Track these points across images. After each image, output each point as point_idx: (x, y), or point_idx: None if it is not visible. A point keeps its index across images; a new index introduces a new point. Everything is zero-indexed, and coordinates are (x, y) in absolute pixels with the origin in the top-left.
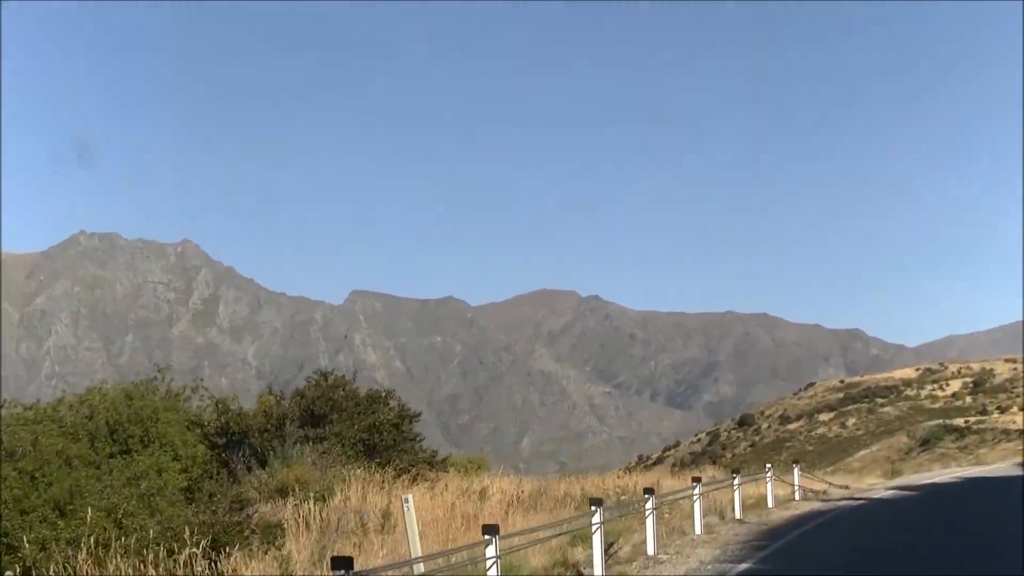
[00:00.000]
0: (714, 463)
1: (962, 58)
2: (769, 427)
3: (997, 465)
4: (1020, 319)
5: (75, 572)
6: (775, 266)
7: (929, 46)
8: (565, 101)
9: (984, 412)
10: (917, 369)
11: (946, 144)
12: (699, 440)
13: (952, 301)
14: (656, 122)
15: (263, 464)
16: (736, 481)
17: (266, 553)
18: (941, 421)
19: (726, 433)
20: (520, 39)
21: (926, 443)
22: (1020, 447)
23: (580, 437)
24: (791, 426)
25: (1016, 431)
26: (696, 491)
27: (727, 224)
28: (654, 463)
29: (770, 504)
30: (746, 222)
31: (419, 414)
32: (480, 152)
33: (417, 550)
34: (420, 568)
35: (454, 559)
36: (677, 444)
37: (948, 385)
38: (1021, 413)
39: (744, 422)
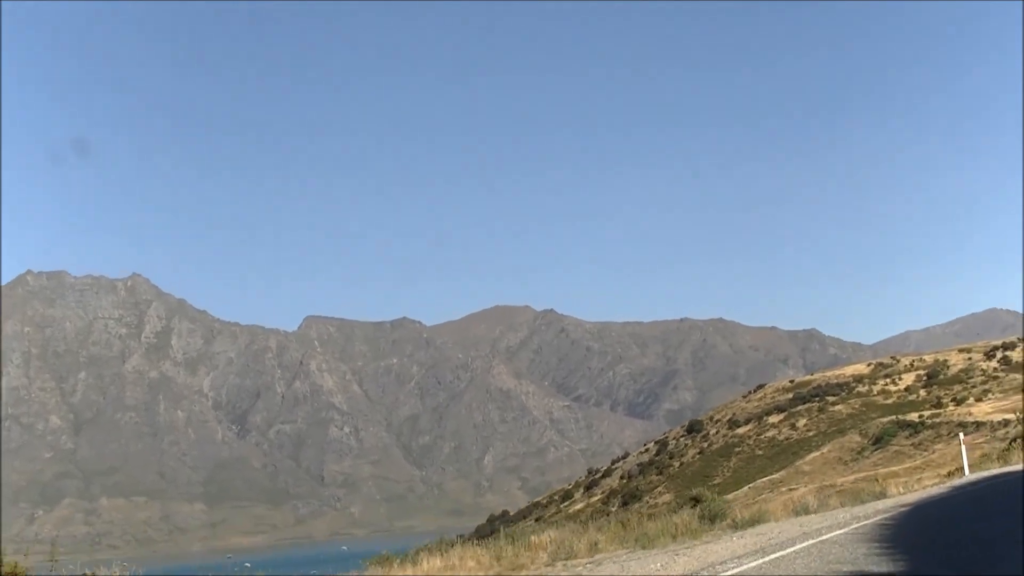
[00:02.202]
0: (660, 473)
1: (912, 66)
2: (718, 432)
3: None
4: (976, 311)
5: None
6: (729, 271)
7: (879, 48)
8: (511, 115)
9: (939, 405)
10: (869, 364)
11: (897, 146)
12: (648, 450)
13: (908, 297)
14: (606, 132)
15: None
16: None
17: None
18: (894, 417)
19: (675, 441)
20: (453, 60)
21: (879, 441)
22: (972, 444)
23: (542, 452)
24: (740, 430)
25: (973, 423)
26: None
27: (679, 232)
28: (602, 476)
29: None
30: (698, 229)
31: None
32: (427, 172)
33: None
34: None
35: None
36: (626, 455)
37: (901, 379)
38: (978, 404)
39: (693, 429)
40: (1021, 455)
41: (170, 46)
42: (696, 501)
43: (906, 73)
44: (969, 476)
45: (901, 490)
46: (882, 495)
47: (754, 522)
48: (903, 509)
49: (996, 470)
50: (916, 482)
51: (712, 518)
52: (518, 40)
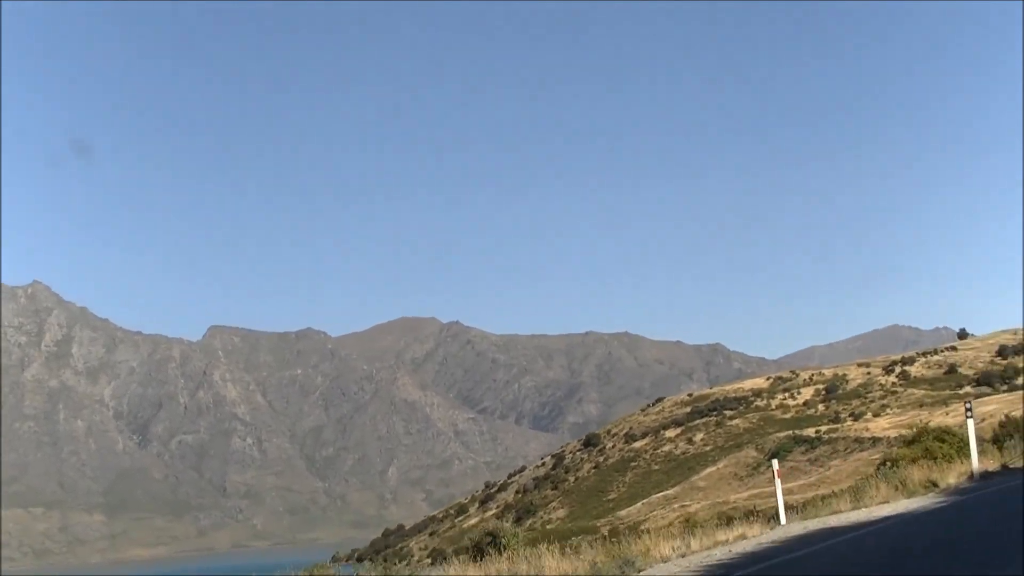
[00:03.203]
0: (556, 487)
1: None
2: (614, 447)
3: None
4: (879, 327)
5: None
6: (635, 285)
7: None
8: (416, 128)
9: (837, 420)
10: (768, 378)
11: (800, 160)
12: (544, 464)
13: (813, 312)
14: (512, 146)
15: None
16: None
17: None
18: (792, 432)
19: (571, 455)
20: (376, 76)
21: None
22: (871, 460)
23: (446, 464)
24: (637, 444)
25: (869, 439)
26: None
27: (585, 245)
28: (498, 489)
29: None
30: (603, 242)
31: None
32: (334, 181)
33: None
34: None
35: None
36: (523, 469)
37: (800, 393)
38: (875, 419)
39: (590, 442)
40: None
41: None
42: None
43: (823, 91)
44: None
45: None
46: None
47: None
48: None
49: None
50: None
51: None
52: (426, 52)
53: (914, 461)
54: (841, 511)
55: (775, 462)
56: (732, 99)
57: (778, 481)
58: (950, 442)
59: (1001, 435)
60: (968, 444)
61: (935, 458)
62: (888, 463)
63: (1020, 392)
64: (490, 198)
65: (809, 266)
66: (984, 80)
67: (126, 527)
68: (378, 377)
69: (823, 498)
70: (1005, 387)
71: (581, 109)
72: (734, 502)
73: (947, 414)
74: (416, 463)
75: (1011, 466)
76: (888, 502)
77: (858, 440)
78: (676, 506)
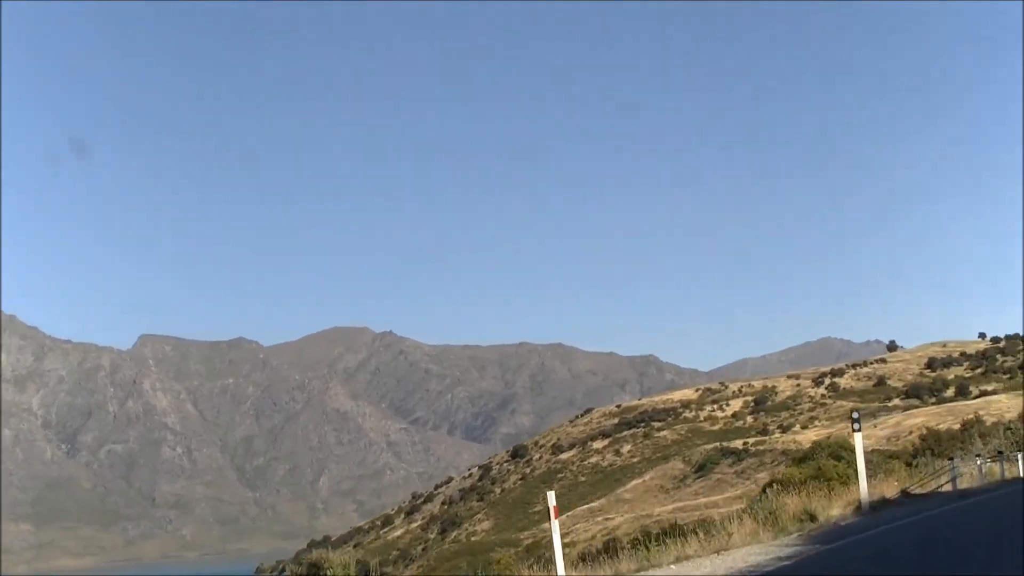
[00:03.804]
0: (481, 499)
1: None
2: (541, 458)
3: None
4: (812, 339)
5: None
6: (569, 296)
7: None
8: (353, 137)
9: (765, 432)
10: (697, 390)
11: (733, 175)
12: (471, 475)
13: (746, 325)
14: (443, 157)
15: None
16: None
17: None
18: (719, 444)
19: (498, 467)
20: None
21: (702, 468)
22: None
23: (378, 474)
24: (564, 456)
25: (797, 451)
26: None
27: (519, 255)
28: (424, 501)
29: None
30: (537, 253)
31: None
32: (266, 188)
33: None
34: None
35: None
36: (450, 480)
37: (729, 405)
38: (803, 431)
39: (517, 454)
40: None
41: None
42: None
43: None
44: None
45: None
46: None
47: None
48: None
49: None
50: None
51: None
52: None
53: (803, 483)
54: (688, 556)
55: (551, 495)
56: (661, 113)
57: (555, 523)
58: (848, 459)
59: (922, 449)
60: (871, 463)
61: (828, 479)
62: (775, 484)
63: (949, 404)
64: (424, 208)
65: (742, 278)
66: (893, 98)
67: (54, 537)
68: (310, 387)
69: (682, 530)
70: (934, 399)
71: (516, 120)
72: (658, 515)
73: (875, 426)
74: (348, 473)
75: (912, 492)
76: (747, 544)
77: (785, 452)
78: (600, 519)
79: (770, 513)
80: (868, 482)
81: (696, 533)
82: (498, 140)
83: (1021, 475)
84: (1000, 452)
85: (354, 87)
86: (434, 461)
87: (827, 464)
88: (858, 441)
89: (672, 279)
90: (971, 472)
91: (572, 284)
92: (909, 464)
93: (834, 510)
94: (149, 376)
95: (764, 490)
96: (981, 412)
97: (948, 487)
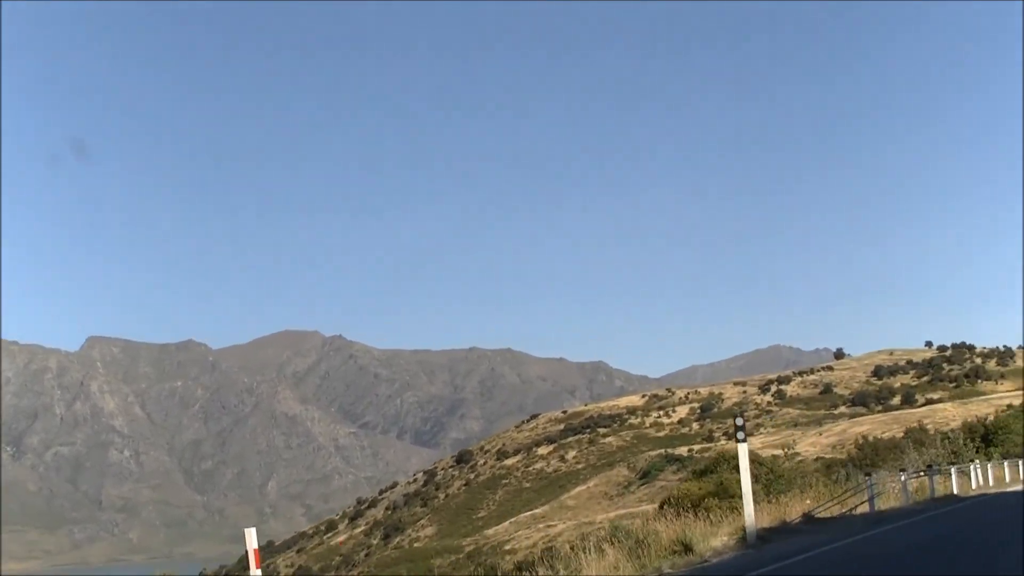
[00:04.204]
0: (425, 505)
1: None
2: (486, 463)
3: None
4: (761, 346)
5: None
6: (519, 302)
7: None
8: (305, 141)
9: (710, 439)
10: (643, 396)
11: (683, 181)
12: (416, 480)
13: (696, 332)
14: (392, 164)
15: None
16: None
17: None
18: (664, 450)
19: (443, 472)
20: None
21: (646, 475)
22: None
23: (327, 479)
24: (509, 462)
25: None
26: None
27: (470, 261)
28: (368, 506)
29: None
30: (488, 258)
31: None
32: (217, 192)
33: None
34: None
35: None
36: (394, 485)
37: (675, 411)
38: (749, 438)
39: (462, 459)
40: None
41: None
42: None
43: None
44: None
45: None
46: None
47: None
48: None
49: None
50: None
51: None
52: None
53: (700, 501)
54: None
55: (251, 534)
56: (607, 120)
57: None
58: (756, 472)
59: (858, 459)
60: (783, 478)
61: (731, 496)
62: (673, 500)
63: (895, 412)
64: (375, 212)
65: (693, 285)
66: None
67: None
68: (259, 390)
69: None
70: (880, 407)
71: (461, 125)
72: (600, 522)
73: (820, 434)
74: (296, 477)
75: (818, 515)
76: None
77: (730, 460)
78: (542, 526)
79: (639, 541)
80: (776, 501)
81: (548, 565)
82: (442, 145)
83: (955, 491)
84: (930, 466)
85: (322, 92)
86: (383, 466)
87: (730, 479)
88: (743, 455)
89: (622, 285)
90: (896, 490)
91: (523, 290)
92: (833, 479)
93: (717, 539)
94: (97, 378)
95: (662, 507)
96: (926, 421)
97: (865, 507)
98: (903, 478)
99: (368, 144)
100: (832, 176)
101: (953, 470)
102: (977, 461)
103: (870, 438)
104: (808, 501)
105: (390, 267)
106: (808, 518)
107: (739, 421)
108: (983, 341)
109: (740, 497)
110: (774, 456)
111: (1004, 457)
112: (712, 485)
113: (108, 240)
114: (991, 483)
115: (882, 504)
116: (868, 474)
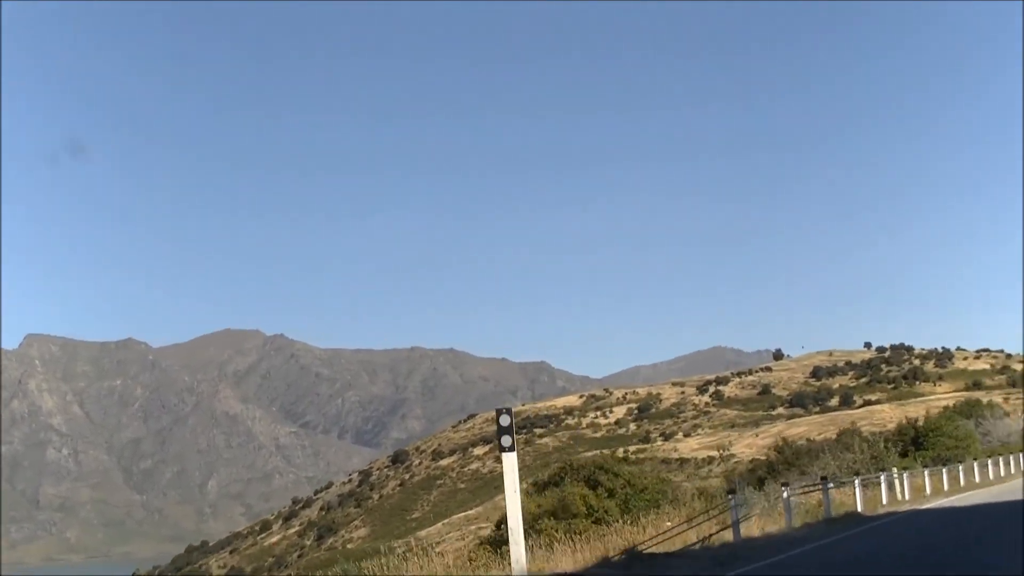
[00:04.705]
0: (359, 505)
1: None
2: (421, 464)
3: None
4: (703, 347)
5: None
6: (461, 301)
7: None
8: (248, 141)
9: (647, 440)
10: (581, 396)
11: (628, 184)
12: (351, 480)
13: (638, 333)
14: (336, 164)
15: None
16: None
17: None
18: (600, 451)
19: (378, 472)
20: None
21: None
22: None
23: (268, 478)
24: (444, 462)
25: (677, 460)
26: None
27: (412, 259)
28: (303, 506)
29: None
30: (430, 257)
31: None
32: (158, 187)
33: None
34: None
35: None
36: (329, 485)
37: (612, 412)
38: (686, 439)
39: (397, 459)
40: None
41: None
42: None
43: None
44: None
45: None
46: None
47: None
48: None
49: None
50: None
51: None
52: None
53: (535, 522)
54: None
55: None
56: (559, 124)
57: None
58: (611, 485)
59: (777, 463)
60: (646, 491)
61: (574, 516)
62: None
63: (832, 414)
64: (316, 211)
65: (635, 286)
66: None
67: None
68: (199, 389)
69: None
70: (817, 408)
71: (409, 130)
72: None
73: (756, 435)
74: (236, 477)
75: (649, 551)
76: None
77: (666, 461)
78: (474, 528)
79: None
80: (636, 522)
81: None
82: (386, 148)
83: (859, 508)
84: (824, 479)
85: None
86: (324, 465)
87: (574, 493)
88: (509, 469)
89: (564, 286)
90: (779, 509)
91: (465, 290)
92: (754, 488)
93: None
94: (35, 376)
95: (498, 526)
96: (862, 422)
97: (729, 534)
98: (786, 495)
99: (311, 143)
100: (773, 178)
101: (857, 481)
102: (894, 470)
103: (791, 441)
104: (668, 523)
105: (332, 266)
106: (633, 554)
107: (504, 420)
108: (924, 344)
109: (585, 517)
110: (709, 457)
111: (933, 463)
112: (553, 502)
113: (44, 238)
114: (907, 496)
115: (760, 527)
116: (732, 491)
